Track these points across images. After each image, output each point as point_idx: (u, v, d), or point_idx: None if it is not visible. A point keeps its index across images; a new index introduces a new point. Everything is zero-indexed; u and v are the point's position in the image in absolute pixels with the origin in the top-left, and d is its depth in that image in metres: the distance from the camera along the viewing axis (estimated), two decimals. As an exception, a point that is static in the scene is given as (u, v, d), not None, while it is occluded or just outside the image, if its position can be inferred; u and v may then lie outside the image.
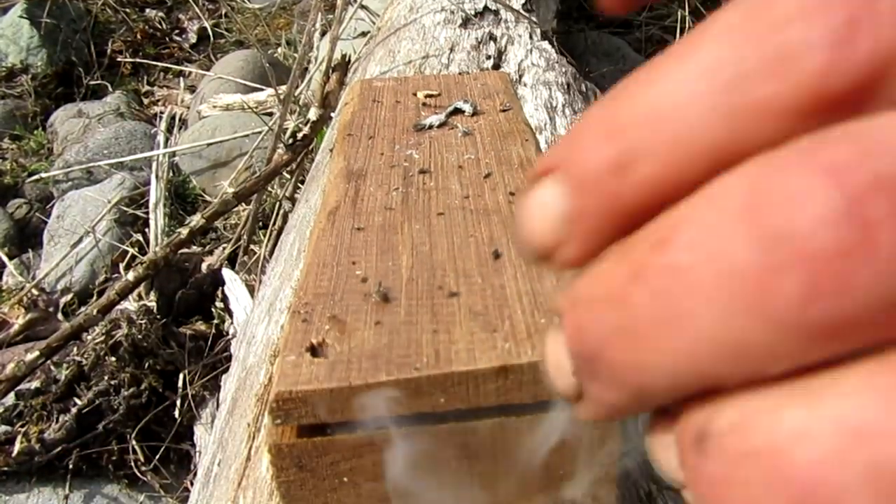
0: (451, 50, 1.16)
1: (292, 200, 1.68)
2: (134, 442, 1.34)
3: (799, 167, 0.14)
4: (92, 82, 2.46)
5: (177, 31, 2.76)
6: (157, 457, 1.35)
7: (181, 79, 2.57)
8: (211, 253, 1.81)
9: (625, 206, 0.17)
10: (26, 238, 1.95)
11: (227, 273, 1.61)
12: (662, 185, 0.17)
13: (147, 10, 2.82)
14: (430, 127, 0.54)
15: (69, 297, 1.69)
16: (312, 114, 1.45)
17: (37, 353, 1.29)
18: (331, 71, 1.44)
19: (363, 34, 1.96)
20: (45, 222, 1.91)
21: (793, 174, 0.14)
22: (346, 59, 1.47)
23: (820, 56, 0.15)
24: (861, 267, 0.14)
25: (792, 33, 0.15)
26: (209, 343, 1.50)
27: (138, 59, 2.55)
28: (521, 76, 1.08)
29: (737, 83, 0.15)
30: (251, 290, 1.53)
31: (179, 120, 2.28)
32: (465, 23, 1.28)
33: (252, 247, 1.76)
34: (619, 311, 0.16)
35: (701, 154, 0.16)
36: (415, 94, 0.60)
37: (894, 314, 0.14)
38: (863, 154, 0.14)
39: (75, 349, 1.43)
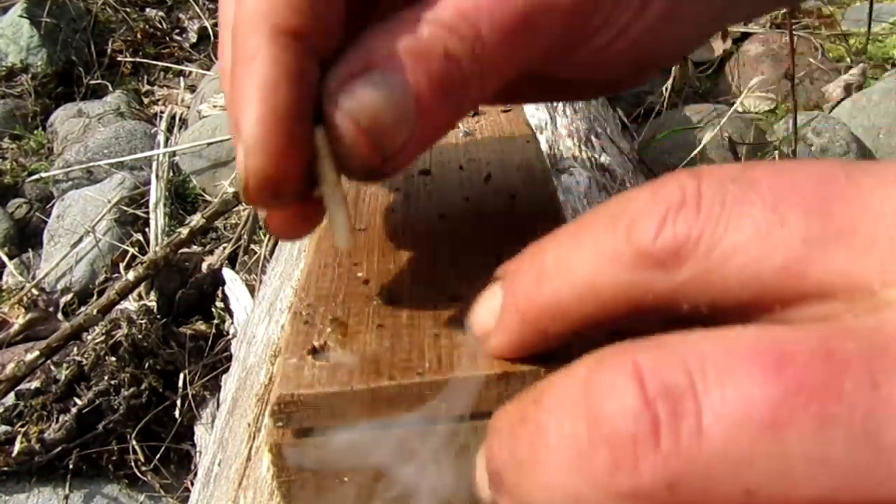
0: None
1: (292, 200, 1.68)
2: (134, 442, 1.34)
3: (618, 365, 0.20)
4: (92, 82, 2.46)
5: (177, 31, 2.76)
6: (158, 457, 1.35)
7: (181, 78, 2.57)
8: (211, 253, 1.81)
9: (537, 312, 0.26)
10: (26, 238, 1.94)
11: (227, 273, 1.61)
12: (560, 309, 0.25)
13: (147, 10, 2.81)
14: (431, 127, 0.53)
15: (69, 296, 1.69)
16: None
17: (37, 352, 1.29)
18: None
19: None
20: (45, 222, 1.91)
21: (613, 370, 0.20)
22: (347, 58, 1.46)
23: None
24: (648, 454, 0.18)
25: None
26: (209, 343, 1.50)
27: (138, 59, 2.55)
28: (521, 76, 1.08)
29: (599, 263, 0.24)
30: (251, 290, 1.53)
31: (180, 119, 2.28)
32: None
33: (252, 246, 1.76)
34: (511, 443, 0.22)
35: (584, 290, 0.24)
36: (415, 95, 0.60)
37: (674, 494, 0.18)
38: (661, 365, 0.19)
39: (75, 349, 1.43)
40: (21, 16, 2.49)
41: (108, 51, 2.58)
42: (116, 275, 1.69)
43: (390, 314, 0.34)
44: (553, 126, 0.95)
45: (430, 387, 0.30)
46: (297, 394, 0.30)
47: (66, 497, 1.29)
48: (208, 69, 2.46)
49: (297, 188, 0.31)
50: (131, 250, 1.71)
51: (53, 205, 1.94)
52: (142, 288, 1.51)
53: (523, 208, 0.42)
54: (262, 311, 0.79)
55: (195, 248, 1.79)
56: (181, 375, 1.42)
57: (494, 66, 0.32)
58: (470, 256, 0.38)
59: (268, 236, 1.71)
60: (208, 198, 1.99)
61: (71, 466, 1.30)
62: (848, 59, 2.20)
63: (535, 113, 0.96)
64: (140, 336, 1.39)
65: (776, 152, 1.81)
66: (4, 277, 1.81)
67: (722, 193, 0.21)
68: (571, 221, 0.26)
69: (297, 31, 0.30)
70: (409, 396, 0.31)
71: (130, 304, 1.51)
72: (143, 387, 1.36)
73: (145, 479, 1.32)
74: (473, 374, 0.31)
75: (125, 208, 1.84)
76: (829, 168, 0.21)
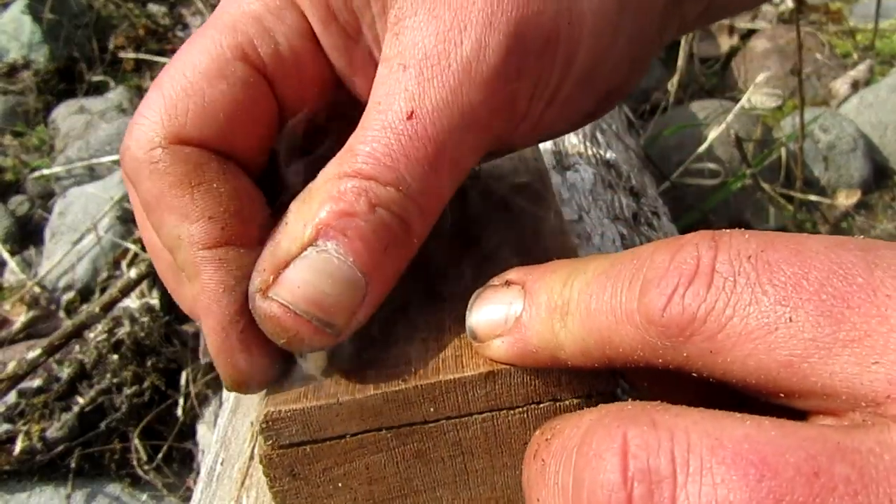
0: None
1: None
2: (136, 441, 1.33)
3: (609, 437, 0.21)
4: (94, 78, 2.45)
5: (179, 27, 2.76)
6: (160, 456, 1.34)
7: (184, 75, 2.56)
8: (213, 250, 1.80)
9: (557, 344, 0.27)
10: (28, 235, 1.94)
11: (229, 270, 1.60)
12: (577, 346, 0.26)
13: (149, 6, 2.81)
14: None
15: (71, 294, 1.69)
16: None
17: (38, 351, 1.28)
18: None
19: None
20: (47, 219, 1.91)
21: (604, 440, 0.21)
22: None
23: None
24: None
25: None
26: (211, 341, 1.50)
27: (141, 55, 2.55)
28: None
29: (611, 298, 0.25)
30: (254, 288, 1.52)
31: (182, 116, 2.27)
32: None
33: (255, 244, 1.76)
34: (527, 471, 0.25)
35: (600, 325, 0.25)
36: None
37: None
38: (648, 445, 0.20)
39: (77, 347, 1.43)
40: (23, 12, 2.49)
41: (111, 47, 2.57)
42: (118, 272, 1.69)
43: (376, 320, 0.34)
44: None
45: (416, 391, 0.30)
46: (285, 410, 0.30)
47: (69, 496, 1.28)
48: (211, 65, 2.45)
49: (268, 377, 0.32)
50: (133, 248, 1.70)
51: (55, 202, 1.94)
52: (144, 285, 1.51)
53: (518, 199, 0.42)
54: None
55: (197, 245, 1.78)
56: (183, 374, 1.41)
57: (429, 196, 0.30)
58: (460, 258, 0.37)
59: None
60: (211, 195, 1.98)
61: (73, 465, 1.30)
62: (855, 56, 2.18)
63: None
64: (142, 334, 1.39)
65: (783, 149, 1.79)
66: (6, 275, 1.80)
67: (735, 273, 0.21)
68: (605, 257, 0.26)
69: (226, 243, 0.30)
70: (396, 403, 0.30)
71: (132, 302, 1.51)
72: (145, 385, 1.36)
73: (147, 477, 1.32)
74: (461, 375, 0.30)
75: (127, 206, 1.83)
76: (849, 260, 0.20)
